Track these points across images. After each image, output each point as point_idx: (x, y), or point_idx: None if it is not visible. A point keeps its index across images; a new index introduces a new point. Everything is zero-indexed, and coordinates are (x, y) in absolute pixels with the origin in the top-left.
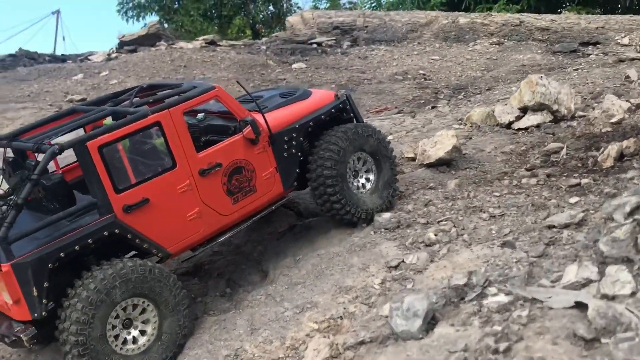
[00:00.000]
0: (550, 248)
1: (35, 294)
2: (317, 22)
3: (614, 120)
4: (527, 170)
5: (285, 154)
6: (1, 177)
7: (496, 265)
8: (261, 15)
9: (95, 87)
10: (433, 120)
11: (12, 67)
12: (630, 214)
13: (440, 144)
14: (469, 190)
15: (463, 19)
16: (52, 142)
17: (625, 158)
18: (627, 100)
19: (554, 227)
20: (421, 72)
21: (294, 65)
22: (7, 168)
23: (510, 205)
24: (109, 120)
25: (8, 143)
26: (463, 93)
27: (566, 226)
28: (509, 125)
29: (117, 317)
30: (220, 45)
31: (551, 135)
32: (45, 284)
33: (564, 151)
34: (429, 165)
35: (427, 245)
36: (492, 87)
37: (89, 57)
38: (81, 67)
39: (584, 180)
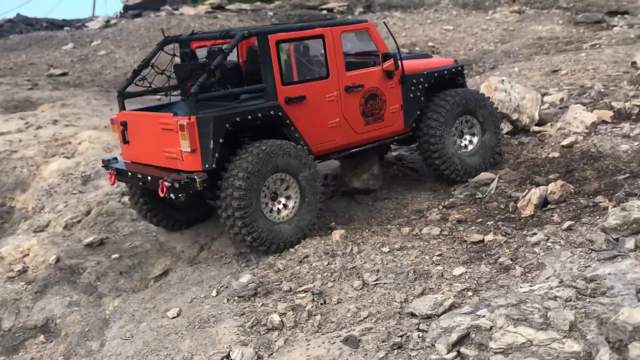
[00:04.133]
0: (392, 355)
1: (211, 146)
2: None
3: (566, 142)
4: (444, 208)
5: (411, 95)
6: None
7: None
8: None
9: (83, 59)
10: None
11: (9, 33)
12: (456, 344)
13: (359, 169)
14: (356, 241)
15: None
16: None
17: (549, 206)
18: (593, 110)
19: (415, 315)
20: (430, 44)
21: None
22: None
23: (390, 270)
24: None
25: (189, 37)
26: (465, 71)
27: (428, 317)
28: None
29: (267, 187)
30: (227, 11)
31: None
32: (220, 141)
33: (493, 184)
34: (345, 193)
35: (268, 330)
36: (497, 65)
37: (87, 24)
38: (73, 36)
39: (489, 237)
